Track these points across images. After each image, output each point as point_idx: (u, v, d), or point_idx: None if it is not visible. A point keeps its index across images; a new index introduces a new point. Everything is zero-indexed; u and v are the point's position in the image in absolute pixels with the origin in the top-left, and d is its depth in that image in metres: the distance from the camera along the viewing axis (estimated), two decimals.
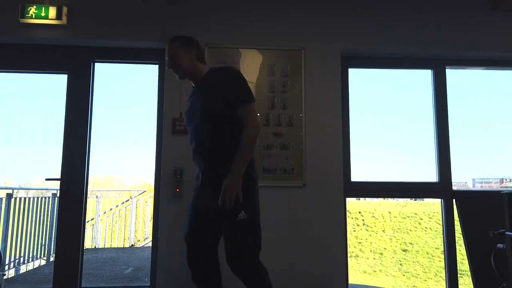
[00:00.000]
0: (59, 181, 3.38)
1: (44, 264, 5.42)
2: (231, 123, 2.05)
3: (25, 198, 5.09)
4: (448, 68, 3.71)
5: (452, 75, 3.73)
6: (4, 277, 4.54)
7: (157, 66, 3.51)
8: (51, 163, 3.63)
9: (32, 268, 5.21)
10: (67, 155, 3.40)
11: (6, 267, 4.71)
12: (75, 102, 3.45)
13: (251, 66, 3.43)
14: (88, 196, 3.45)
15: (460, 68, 3.83)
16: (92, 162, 3.49)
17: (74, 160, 3.39)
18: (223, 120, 2.06)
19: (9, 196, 4.80)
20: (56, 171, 3.39)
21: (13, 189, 5.14)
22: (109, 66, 3.73)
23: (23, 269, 5.06)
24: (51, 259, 5.36)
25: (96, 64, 3.52)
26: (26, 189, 6.13)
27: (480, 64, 3.79)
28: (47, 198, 5.48)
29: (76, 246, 3.32)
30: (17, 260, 4.94)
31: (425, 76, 3.76)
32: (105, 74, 3.96)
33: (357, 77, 3.69)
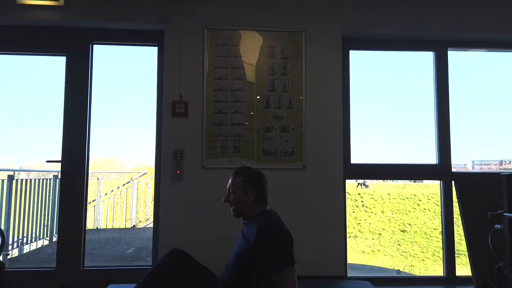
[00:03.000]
0: (60, 163, 3.40)
1: (47, 244, 5.50)
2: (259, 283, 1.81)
3: (26, 180, 5.13)
4: (450, 50, 3.67)
5: (454, 57, 3.70)
6: (8, 257, 4.62)
7: (156, 48, 3.48)
8: (52, 145, 3.64)
9: (35, 248, 5.29)
10: (67, 137, 3.41)
11: (10, 247, 4.78)
12: (74, 84, 3.43)
13: (251, 48, 3.39)
14: (89, 177, 3.48)
15: (462, 50, 3.79)
16: (92, 144, 3.50)
17: (75, 142, 3.40)
18: (250, 275, 1.85)
19: (11, 178, 4.83)
20: (57, 153, 3.41)
21: (14, 171, 5.17)
22: (108, 48, 3.70)
23: (26, 249, 5.14)
24: (54, 239, 5.44)
25: (94, 46, 3.49)
26: (27, 171, 6.17)
27: (483, 46, 3.75)
28: (48, 180, 5.51)
29: (78, 226, 3.36)
30: (20, 240, 5.01)
31: (426, 58, 3.73)
32: (104, 56, 3.93)
33: (358, 59, 3.67)
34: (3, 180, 4.71)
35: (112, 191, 7.25)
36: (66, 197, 3.38)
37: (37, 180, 5.34)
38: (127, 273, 3.39)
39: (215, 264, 2.63)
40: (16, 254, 4.96)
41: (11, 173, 4.97)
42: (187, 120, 3.31)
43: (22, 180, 5.05)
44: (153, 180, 3.44)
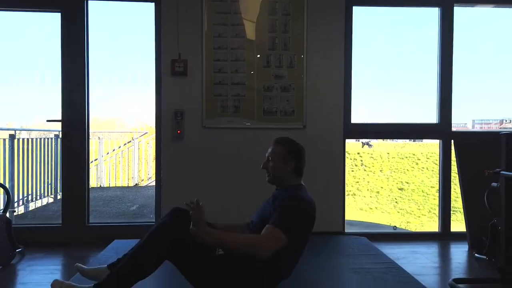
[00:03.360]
0: (60, 122, 3.40)
1: (52, 202, 5.63)
2: None
3: (27, 139, 5.15)
4: (456, 6, 3.56)
5: (459, 13, 3.59)
6: (15, 214, 4.73)
7: (153, 4, 3.37)
8: (52, 104, 3.63)
9: (40, 205, 5.42)
10: (66, 96, 3.39)
11: (16, 204, 4.89)
12: (70, 42, 3.36)
13: (251, 3, 3.29)
14: (90, 137, 3.50)
15: (468, 6, 3.68)
16: (92, 104, 3.49)
17: (74, 101, 3.39)
18: None
19: (12, 137, 4.85)
20: (57, 112, 3.41)
21: (15, 130, 5.18)
22: (103, 4, 3.58)
23: (32, 206, 5.26)
24: (58, 197, 5.55)
25: (89, 2, 3.38)
26: (28, 130, 6.17)
27: (489, 1, 3.63)
28: (49, 139, 5.54)
29: (82, 184, 3.43)
30: (25, 198, 5.11)
31: (432, 15, 3.62)
32: (100, 13, 3.81)
33: (361, 16, 3.56)
34: (4, 140, 4.73)
35: (113, 150, 7.30)
36: (68, 155, 3.42)
37: (38, 140, 5.36)
38: (131, 229, 3.50)
39: (217, 220, 2.70)
40: (22, 211, 5.09)
41: (12, 132, 4.99)
42: (187, 79, 3.27)
43: (23, 139, 5.08)
44: (154, 140, 3.46)
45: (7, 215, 3.04)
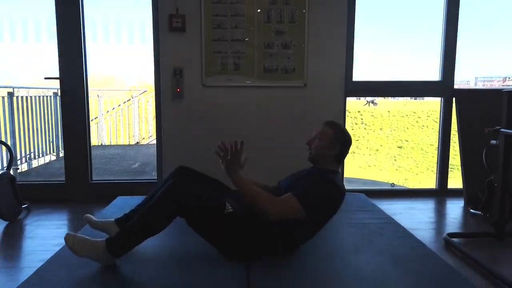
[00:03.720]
0: (58, 80, 3.37)
1: (55, 160, 5.69)
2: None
3: (26, 97, 5.12)
4: None
5: None
6: (18, 171, 4.80)
7: None
8: (50, 62, 3.57)
9: (43, 163, 5.48)
10: (63, 53, 3.33)
11: (19, 162, 4.95)
12: None
13: None
14: (89, 95, 3.48)
15: None
16: (90, 62, 3.44)
17: (71, 58, 3.33)
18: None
19: (11, 94, 4.82)
20: (55, 70, 3.36)
21: (13, 87, 5.13)
22: None
23: (34, 163, 5.32)
24: (61, 154, 5.60)
25: None
26: (26, 88, 6.10)
27: None
28: (48, 97, 5.50)
29: (83, 142, 3.45)
30: (28, 156, 5.17)
31: None
32: None
33: None
34: (3, 97, 4.70)
35: (113, 108, 7.27)
36: (68, 113, 3.42)
37: (37, 97, 5.33)
38: (134, 186, 3.57)
39: (220, 176, 2.75)
40: (26, 169, 5.16)
41: (10, 90, 4.95)
42: (185, 36, 3.20)
43: (22, 97, 5.04)
44: (154, 98, 3.44)
45: (11, 172, 3.08)
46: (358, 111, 8.98)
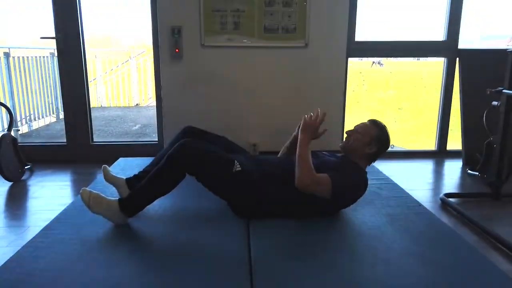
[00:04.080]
0: (54, 40, 3.30)
1: (55, 121, 5.69)
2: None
3: (23, 57, 5.04)
4: None
5: None
6: (19, 133, 4.82)
7: None
8: (45, 21, 3.47)
9: (43, 124, 5.48)
10: (59, 12, 3.24)
11: (19, 124, 4.95)
12: None
13: None
14: (86, 55, 3.42)
15: None
16: (86, 21, 3.35)
17: (67, 17, 3.25)
18: None
19: (7, 55, 4.74)
20: (51, 30, 3.29)
21: (9, 48, 5.04)
22: None
23: (35, 125, 5.33)
24: (61, 116, 5.59)
25: None
26: (22, 48, 5.98)
27: None
28: (45, 58, 5.41)
29: (82, 103, 3.43)
30: (28, 117, 5.16)
31: None
32: None
33: None
34: None
35: (111, 70, 7.17)
36: (66, 74, 3.38)
37: (33, 58, 5.24)
38: (135, 148, 3.59)
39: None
40: (26, 130, 5.17)
41: (7, 50, 4.86)
42: None
43: (18, 57, 4.96)
44: (152, 59, 3.38)
45: (12, 133, 3.09)
46: (360, 72, 8.86)
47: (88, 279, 1.31)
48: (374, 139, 1.90)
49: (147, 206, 1.76)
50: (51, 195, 2.76)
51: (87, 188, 1.72)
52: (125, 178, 1.98)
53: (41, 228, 1.70)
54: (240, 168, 1.75)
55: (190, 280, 1.31)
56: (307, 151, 1.78)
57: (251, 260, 1.45)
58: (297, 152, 1.78)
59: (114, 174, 1.98)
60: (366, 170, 1.94)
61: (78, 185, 2.95)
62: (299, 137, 1.83)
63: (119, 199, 1.72)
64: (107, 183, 1.98)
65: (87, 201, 1.67)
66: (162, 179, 1.71)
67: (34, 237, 1.61)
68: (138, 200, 1.73)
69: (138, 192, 1.74)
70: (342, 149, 1.98)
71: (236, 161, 1.77)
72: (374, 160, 1.98)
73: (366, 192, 1.88)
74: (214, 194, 1.82)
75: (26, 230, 2.22)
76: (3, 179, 2.94)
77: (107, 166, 2.01)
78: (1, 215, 2.44)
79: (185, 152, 1.68)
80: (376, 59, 9.19)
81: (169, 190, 1.74)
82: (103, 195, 1.71)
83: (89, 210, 1.68)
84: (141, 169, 2.05)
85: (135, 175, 2.01)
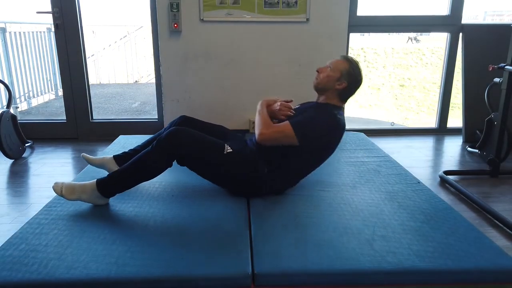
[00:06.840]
0: (51, 14, 3.24)
1: (54, 98, 5.66)
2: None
3: (19, 33, 4.96)
4: None
5: None
6: (18, 110, 4.80)
7: None
8: None
9: (43, 102, 5.46)
10: None
11: (18, 101, 4.92)
12: None
13: None
14: (84, 31, 3.36)
15: None
16: None
17: None
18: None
19: (3, 30, 4.66)
20: (47, 4, 3.22)
21: (5, 23, 4.95)
22: None
23: (34, 102, 5.30)
24: (60, 93, 5.55)
25: None
26: (18, 23, 5.88)
27: None
28: (42, 33, 5.33)
29: (81, 80, 3.40)
30: (27, 94, 5.13)
31: None
32: None
33: None
34: None
35: (110, 45, 7.08)
36: (64, 50, 3.33)
37: (30, 33, 5.16)
38: (135, 125, 3.58)
39: (220, 113, 2.75)
40: (26, 108, 5.15)
41: (3, 25, 4.78)
42: None
43: (15, 32, 4.89)
44: (151, 35, 3.33)
45: (11, 111, 3.08)
46: (361, 48, 8.74)
47: (91, 255, 1.34)
48: (345, 74, 1.87)
49: (143, 184, 1.75)
50: (52, 172, 2.77)
51: (58, 181, 1.69)
52: (112, 155, 1.97)
53: (43, 205, 1.72)
54: (230, 150, 1.74)
55: (190, 256, 1.34)
56: (263, 113, 1.85)
57: (251, 236, 1.47)
58: (256, 118, 1.86)
59: (95, 156, 1.98)
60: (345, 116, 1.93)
61: (79, 162, 2.96)
62: (258, 108, 1.90)
63: (97, 179, 1.68)
64: (96, 167, 1.97)
65: (59, 192, 1.64)
66: (147, 162, 1.67)
67: (37, 214, 1.63)
68: (119, 181, 1.69)
69: (119, 173, 1.70)
70: (315, 87, 1.95)
71: (226, 144, 1.76)
72: (346, 98, 1.94)
73: (366, 169, 1.88)
74: (212, 183, 1.82)
75: (29, 207, 2.24)
76: (4, 157, 2.95)
77: (85, 154, 1.98)
78: (4, 192, 2.46)
79: (174, 138, 1.65)
80: (412, 35, 8.82)
81: (154, 175, 1.70)
82: (75, 182, 1.70)
83: (67, 199, 1.66)
84: (133, 148, 2.03)
85: (124, 152, 1.98)
